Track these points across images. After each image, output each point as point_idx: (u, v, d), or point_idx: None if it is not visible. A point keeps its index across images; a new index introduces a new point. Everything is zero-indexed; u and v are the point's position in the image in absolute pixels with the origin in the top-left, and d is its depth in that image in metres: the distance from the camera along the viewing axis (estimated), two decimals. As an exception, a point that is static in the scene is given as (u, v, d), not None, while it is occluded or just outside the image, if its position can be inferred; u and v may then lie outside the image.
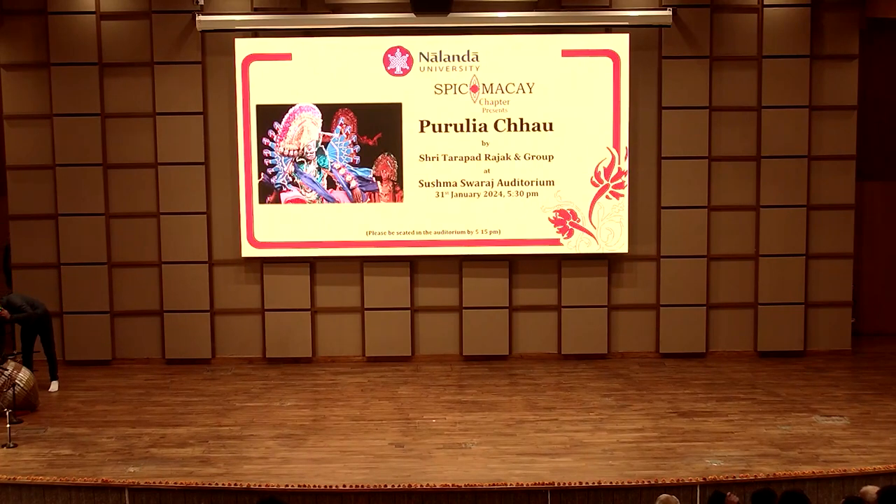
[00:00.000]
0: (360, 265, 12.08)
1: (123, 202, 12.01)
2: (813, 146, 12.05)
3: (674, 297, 12.13)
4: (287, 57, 11.76)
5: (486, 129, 11.83)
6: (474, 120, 11.83)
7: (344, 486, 8.18)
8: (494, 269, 12.08)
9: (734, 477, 8.20)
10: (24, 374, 10.27)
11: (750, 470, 8.47)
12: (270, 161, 11.85)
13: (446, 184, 11.89)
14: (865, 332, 12.90)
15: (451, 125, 11.82)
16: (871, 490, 6.56)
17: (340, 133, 11.84)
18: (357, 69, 11.76)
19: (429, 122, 11.83)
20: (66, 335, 12.01)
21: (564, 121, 11.82)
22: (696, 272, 12.11)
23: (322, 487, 8.16)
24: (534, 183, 11.88)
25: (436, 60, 11.77)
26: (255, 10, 11.76)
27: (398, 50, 11.76)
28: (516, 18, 11.75)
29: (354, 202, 11.90)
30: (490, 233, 11.93)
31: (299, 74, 11.76)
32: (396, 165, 11.87)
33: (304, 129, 11.82)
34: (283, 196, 11.88)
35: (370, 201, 11.90)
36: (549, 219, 11.93)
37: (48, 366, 11.16)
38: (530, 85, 11.79)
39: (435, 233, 11.93)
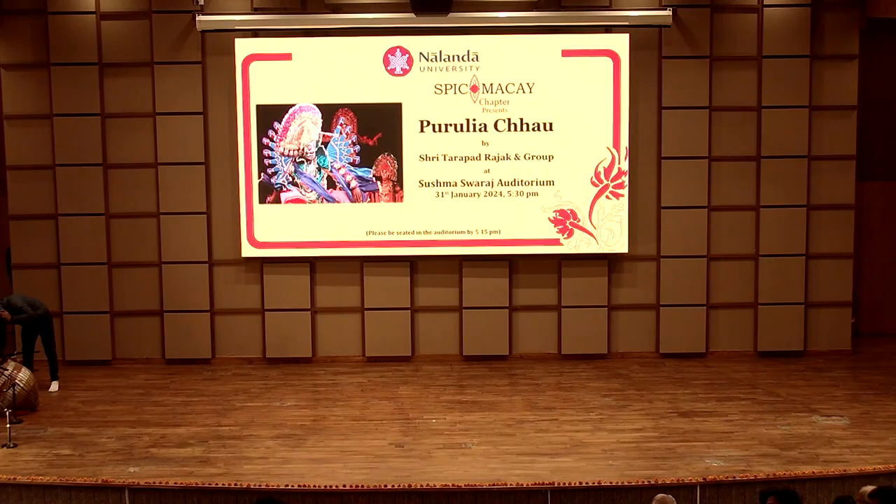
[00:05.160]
0: (360, 265, 12.08)
1: (123, 202, 12.02)
2: (813, 146, 12.04)
3: (674, 297, 12.13)
4: (287, 57, 11.76)
5: (486, 129, 11.83)
6: (474, 120, 11.83)
7: (344, 486, 8.18)
8: (494, 269, 12.08)
9: (734, 477, 8.21)
10: (24, 374, 10.27)
11: (750, 470, 8.47)
12: (270, 161, 11.85)
13: (446, 184, 11.89)
14: (865, 332, 12.90)
15: (451, 125, 11.82)
16: (868, 490, 6.55)
17: (340, 133, 11.84)
18: (357, 69, 11.76)
19: (429, 122, 11.83)
20: (66, 335, 12.01)
21: (564, 121, 11.82)
22: (696, 272, 12.11)
23: (322, 487, 8.16)
24: (534, 183, 11.88)
25: (436, 60, 11.77)
26: (255, 10, 11.76)
27: (398, 50, 11.76)
28: (516, 18, 11.75)
29: (354, 202, 11.90)
30: (490, 233, 11.93)
31: (299, 74, 11.76)
32: (396, 165, 11.87)
33: (304, 129, 11.82)
34: (283, 196, 11.88)
35: (370, 201, 11.90)
36: (549, 219, 11.93)
37: (48, 366, 11.16)
38: (530, 85, 11.79)
39: (435, 233, 11.93)
